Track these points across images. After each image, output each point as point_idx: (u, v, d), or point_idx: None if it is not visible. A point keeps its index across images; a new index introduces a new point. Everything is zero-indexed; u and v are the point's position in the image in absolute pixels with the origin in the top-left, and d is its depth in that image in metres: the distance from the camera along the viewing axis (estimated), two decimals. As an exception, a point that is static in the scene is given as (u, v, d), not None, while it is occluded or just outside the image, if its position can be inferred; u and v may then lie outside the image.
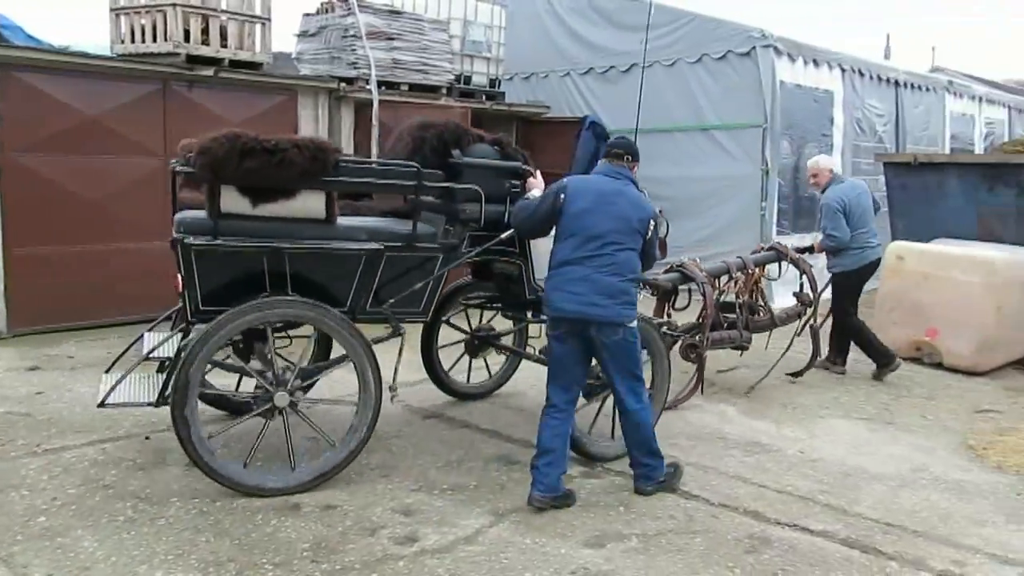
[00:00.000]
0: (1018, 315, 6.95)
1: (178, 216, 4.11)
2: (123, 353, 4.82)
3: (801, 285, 6.44)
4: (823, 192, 6.70)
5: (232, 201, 3.91)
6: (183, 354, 3.91)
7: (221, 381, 4.93)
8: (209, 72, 7.67)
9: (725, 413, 5.70)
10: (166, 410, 3.95)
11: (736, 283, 6.21)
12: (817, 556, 3.66)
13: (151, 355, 4.39)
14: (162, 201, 7.42)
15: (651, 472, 4.23)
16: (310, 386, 4.85)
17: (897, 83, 12.06)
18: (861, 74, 11.18)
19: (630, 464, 4.29)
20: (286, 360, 4.52)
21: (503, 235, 4.48)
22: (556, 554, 3.59)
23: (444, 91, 9.61)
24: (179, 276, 3.97)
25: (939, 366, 7.02)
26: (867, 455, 4.96)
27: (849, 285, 6.60)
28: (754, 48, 9.59)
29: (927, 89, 12.94)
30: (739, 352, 6.27)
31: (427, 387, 5.68)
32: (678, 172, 9.89)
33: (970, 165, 8.13)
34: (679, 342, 5.66)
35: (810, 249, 6.82)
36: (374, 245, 4.19)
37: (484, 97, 10.30)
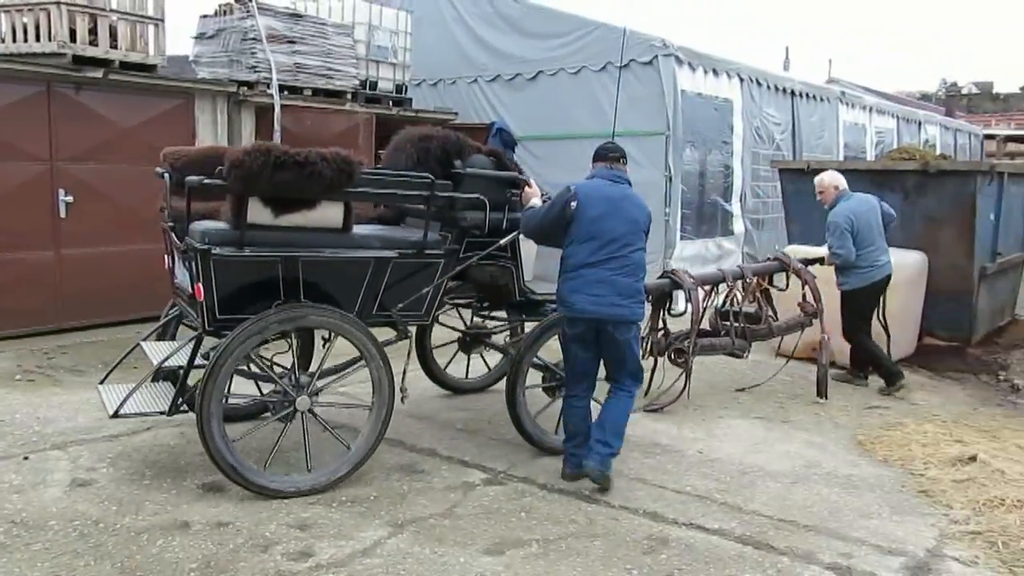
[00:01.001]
0: (904, 314, 7.27)
1: (197, 227, 4.09)
2: (117, 363, 4.87)
3: (804, 295, 6.41)
4: (831, 208, 6.59)
5: (255, 212, 3.98)
6: (213, 360, 3.94)
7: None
8: (98, 74, 7.34)
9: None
10: (52, 427, 3.76)
11: (732, 292, 6.23)
12: (712, 554, 3.73)
13: (164, 366, 4.39)
14: (47, 207, 7.18)
15: (613, 454, 4.43)
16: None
17: (793, 93, 12.52)
18: (759, 84, 11.55)
19: (591, 441, 4.41)
20: (276, 365, 4.63)
21: (502, 241, 4.70)
22: (455, 563, 3.55)
23: (349, 96, 9.47)
24: (198, 286, 3.99)
25: (833, 365, 7.26)
26: (763, 453, 5.09)
27: (857, 303, 6.48)
28: (656, 57, 9.80)
29: (821, 99, 13.48)
30: (739, 359, 6.36)
31: (328, 397, 5.54)
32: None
33: (859, 172, 8.45)
34: (669, 347, 5.89)
35: (819, 261, 6.62)
36: (389, 253, 4.35)
37: (391, 103, 10.20)
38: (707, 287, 6.31)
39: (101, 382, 4.70)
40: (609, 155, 4.55)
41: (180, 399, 4.22)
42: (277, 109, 8.44)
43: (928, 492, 4.51)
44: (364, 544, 3.68)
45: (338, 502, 4.12)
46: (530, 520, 4.01)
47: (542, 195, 4.81)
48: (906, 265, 7.47)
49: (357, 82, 9.62)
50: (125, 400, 4.21)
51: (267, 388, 4.96)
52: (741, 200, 11.20)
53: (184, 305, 4.57)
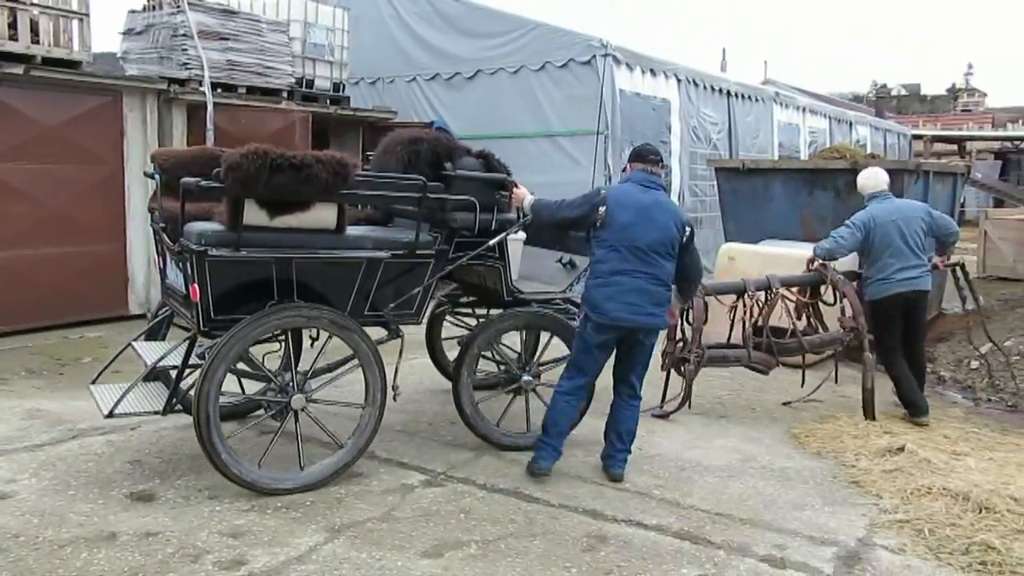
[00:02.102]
0: (834, 310, 7.44)
1: (193, 228, 4.11)
2: (109, 364, 4.83)
3: (842, 310, 5.92)
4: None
5: (252, 214, 4.02)
6: (208, 360, 4.00)
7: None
8: (19, 70, 7.08)
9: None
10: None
11: (750, 302, 5.83)
12: (651, 550, 3.75)
13: (158, 366, 4.40)
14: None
15: (627, 456, 4.61)
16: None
17: (729, 93, 12.75)
18: (696, 84, 11.74)
19: (611, 451, 4.58)
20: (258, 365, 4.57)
21: (491, 241, 4.70)
22: (392, 567, 3.50)
23: (285, 95, 9.31)
24: (194, 287, 4.03)
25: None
26: (701, 448, 5.15)
27: (876, 316, 5.94)
28: (594, 57, 9.88)
29: (757, 100, 13.76)
30: (763, 375, 6.01)
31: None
32: (525, 178, 9.93)
33: (792, 171, 8.65)
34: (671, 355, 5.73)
35: (858, 275, 6.15)
36: (381, 253, 4.38)
37: (328, 101, 10.07)
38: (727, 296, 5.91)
39: (92, 382, 4.66)
40: (649, 157, 4.56)
41: (174, 399, 4.27)
42: (210, 107, 8.25)
43: (859, 483, 4.62)
44: (299, 551, 3.61)
45: (273, 508, 4.03)
46: (469, 521, 3.98)
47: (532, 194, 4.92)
48: (839, 263, 7.65)
49: (293, 80, 9.47)
50: (120, 400, 4.23)
51: (251, 388, 5.11)
52: (680, 199, 11.36)
53: (177, 306, 4.58)
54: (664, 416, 5.70)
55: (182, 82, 8.37)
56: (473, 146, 5.08)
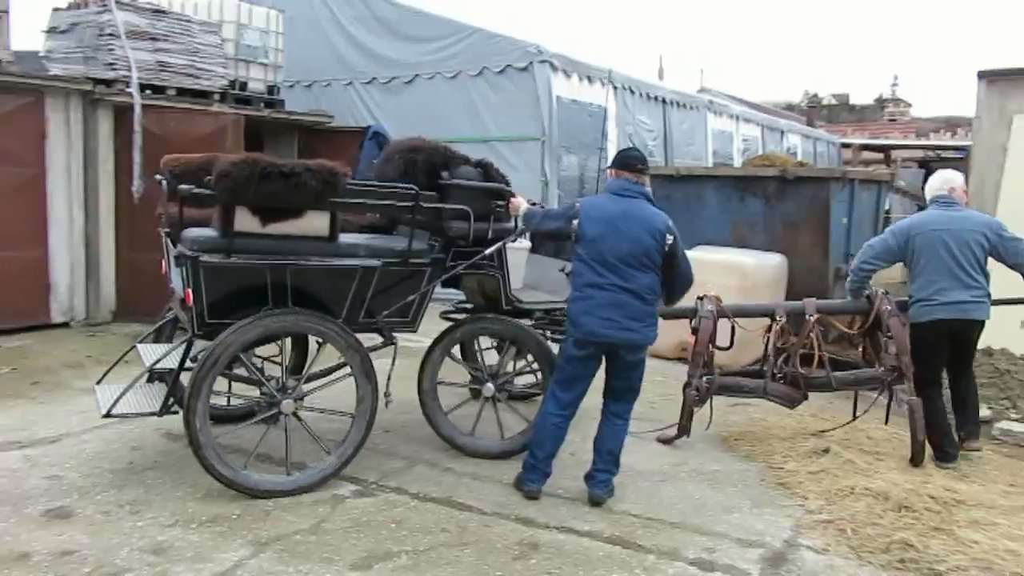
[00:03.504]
0: (767, 314, 7.60)
1: (188, 234, 4.23)
2: (113, 365, 4.93)
3: (886, 345, 5.13)
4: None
5: (244, 221, 4.10)
6: (199, 364, 4.07)
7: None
8: (-69, 68, 6.78)
9: (506, 422, 5.75)
10: None
11: (777, 327, 5.31)
12: (582, 556, 3.76)
13: (155, 367, 4.50)
14: None
15: (611, 479, 4.45)
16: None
17: (664, 101, 12.94)
18: (632, 92, 11.88)
19: (593, 471, 4.42)
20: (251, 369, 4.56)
21: (487, 250, 4.70)
22: (320, 580, 3.44)
23: (217, 97, 9.11)
24: (188, 291, 4.11)
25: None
26: (634, 453, 5.17)
27: (913, 342, 5.09)
28: (532, 63, 9.92)
29: (691, 108, 13.99)
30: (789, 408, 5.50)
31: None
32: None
33: (724, 177, 8.83)
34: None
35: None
36: (373, 261, 4.41)
37: (262, 104, 9.89)
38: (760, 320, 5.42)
39: (98, 382, 4.76)
40: (636, 166, 4.36)
41: (171, 400, 4.32)
42: (137, 109, 8.03)
43: (786, 484, 4.72)
44: (223, 566, 3.52)
45: (197, 523, 3.92)
46: (400, 531, 3.94)
47: (530, 203, 4.93)
48: (767, 267, 7.84)
49: (226, 82, 9.28)
50: (117, 400, 4.29)
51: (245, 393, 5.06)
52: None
53: (178, 309, 4.67)
54: (666, 441, 5.38)
55: (108, 83, 8.13)
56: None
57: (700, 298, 5.41)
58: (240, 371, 4.57)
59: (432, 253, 4.67)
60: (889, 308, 5.10)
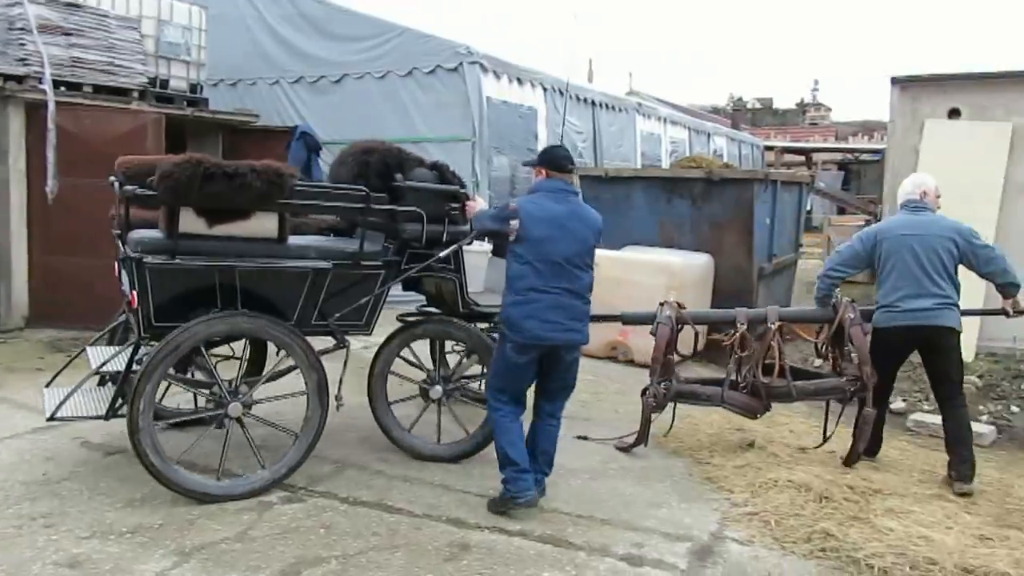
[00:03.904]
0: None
1: (133, 235, 4.20)
2: (64, 367, 4.84)
3: (848, 355, 5.04)
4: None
5: (189, 222, 4.07)
6: (143, 366, 4.01)
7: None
8: None
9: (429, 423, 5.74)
10: None
11: (737, 335, 5.18)
12: (514, 555, 3.77)
13: (101, 370, 4.45)
14: None
15: (544, 479, 4.38)
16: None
17: (594, 103, 13.07)
18: (561, 93, 11.96)
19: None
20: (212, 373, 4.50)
21: (441, 253, 4.65)
22: (247, 589, 3.36)
23: (136, 95, 8.83)
24: (133, 293, 4.07)
25: (631, 363, 7.64)
26: (565, 452, 5.17)
27: (872, 348, 4.97)
28: (461, 64, 9.90)
29: (620, 110, 14.17)
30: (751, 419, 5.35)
31: (111, 421, 5.12)
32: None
33: (652, 179, 8.97)
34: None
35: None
36: (323, 264, 4.37)
37: (185, 103, 9.63)
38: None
39: (47, 385, 4.69)
40: (567, 167, 4.34)
41: (118, 403, 4.23)
42: (51, 106, 7.70)
43: (713, 479, 4.82)
44: (145, 577, 3.41)
45: (116, 534, 3.79)
46: (330, 536, 3.88)
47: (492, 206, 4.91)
48: (694, 266, 8.00)
49: (146, 80, 9.00)
50: (62, 403, 4.24)
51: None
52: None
53: (128, 311, 4.60)
54: (624, 449, 5.25)
55: (19, 79, 7.79)
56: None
57: (661, 304, 5.38)
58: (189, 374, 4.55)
59: (386, 255, 4.64)
60: (852, 316, 4.98)
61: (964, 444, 4.85)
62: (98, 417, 4.23)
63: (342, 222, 5.10)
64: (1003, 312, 5.07)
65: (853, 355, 4.97)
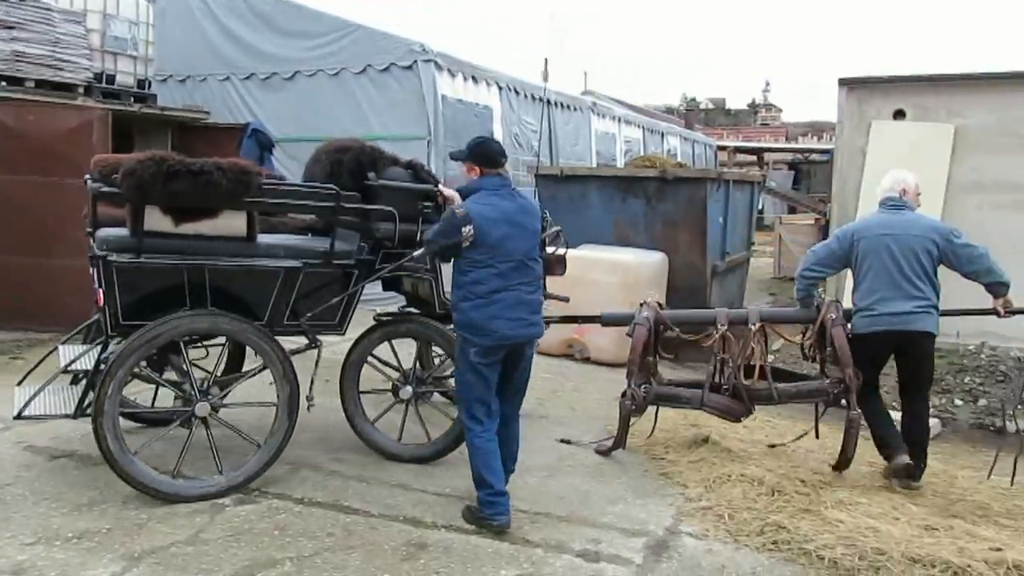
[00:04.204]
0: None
1: (99, 233, 4.19)
2: (36, 366, 4.80)
3: (832, 357, 4.89)
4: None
5: (155, 220, 4.06)
6: (106, 366, 4.00)
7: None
8: None
9: (394, 422, 5.67)
10: None
11: (719, 336, 5.03)
12: (471, 554, 3.76)
13: (69, 368, 4.44)
14: None
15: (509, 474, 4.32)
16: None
17: (549, 102, 13.09)
18: (517, 92, 11.98)
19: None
20: (203, 370, 4.59)
21: (415, 252, 4.54)
22: (199, 593, 3.31)
23: (82, 90, 8.63)
24: (100, 291, 4.06)
25: (587, 360, 7.69)
26: (522, 450, 5.18)
27: (854, 354, 4.74)
28: (416, 62, 9.84)
29: (575, 109, 14.23)
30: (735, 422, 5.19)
31: (57, 423, 4.99)
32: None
33: (607, 178, 9.03)
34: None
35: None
36: (293, 263, 4.35)
37: (132, 99, 9.45)
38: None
39: (18, 384, 4.65)
40: (500, 161, 4.21)
41: (86, 402, 4.18)
42: (-8, 102, 7.50)
43: (668, 474, 4.87)
44: (92, 583, 3.33)
45: (62, 539, 3.70)
46: (284, 538, 3.83)
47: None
48: (648, 264, 8.08)
49: (91, 75, 8.82)
50: (29, 402, 4.23)
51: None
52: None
53: (97, 310, 4.54)
54: (603, 453, 5.16)
55: (-42, 73, 7.58)
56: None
57: (640, 304, 5.28)
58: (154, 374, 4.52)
59: (359, 255, 4.60)
60: (834, 317, 4.80)
61: (917, 442, 4.80)
62: (66, 416, 4.19)
63: (320, 222, 5.02)
64: (994, 312, 4.87)
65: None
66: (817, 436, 5.11)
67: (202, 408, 4.24)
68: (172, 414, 4.42)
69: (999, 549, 3.80)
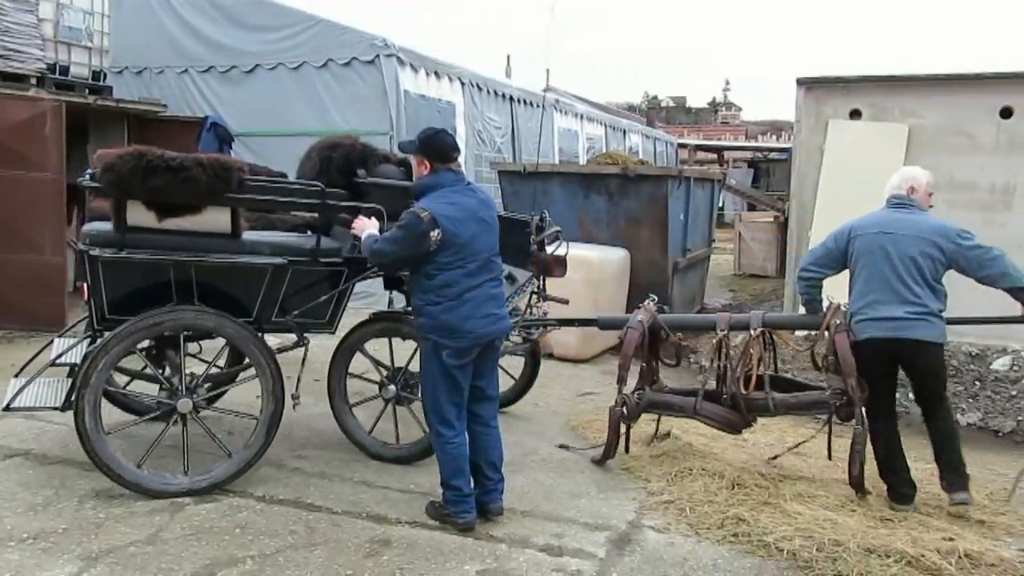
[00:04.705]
0: (611, 306, 7.88)
1: (85, 227, 4.25)
2: (33, 358, 4.73)
3: (836, 366, 4.50)
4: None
5: (138, 215, 4.08)
6: (119, 329, 4.04)
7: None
8: None
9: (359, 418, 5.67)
10: None
11: (720, 343, 4.78)
12: (435, 549, 3.76)
13: (58, 360, 4.48)
14: None
15: (503, 486, 4.16)
16: (219, 395, 5.04)
17: (512, 99, 13.11)
18: (480, 88, 11.96)
19: (488, 486, 4.06)
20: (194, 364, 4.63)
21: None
22: (158, 593, 3.26)
23: (34, 81, 8.42)
24: (84, 285, 4.12)
25: (551, 356, 7.70)
26: (485, 445, 5.23)
27: (856, 364, 4.39)
28: (378, 56, 9.78)
29: (538, 106, 14.22)
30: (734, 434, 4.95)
31: (10, 421, 4.89)
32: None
33: (570, 175, 9.07)
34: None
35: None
36: (278, 260, 4.33)
37: (87, 91, 9.24)
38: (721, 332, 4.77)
39: (16, 375, 4.63)
40: (454, 156, 4.04)
41: (74, 395, 4.13)
42: (-61, 92, 7.29)
43: (630, 469, 4.90)
44: (48, 585, 3.27)
45: (16, 540, 3.62)
46: (245, 536, 3.80)
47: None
48: (612, 261, 8.12)
49: (43, 65, 8.62)
50: (18, 393, 4.25)
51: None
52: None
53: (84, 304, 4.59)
54: (597, 462, 4.94)
55: (-97, 62, 7.34)
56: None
57: (638, 306, 5.09)
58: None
59: (350, 253, 4.51)
60: (838, 323, 4.46)
61: (950, 451, 4.39)
62: (55, 408, 4.18)
63: (318, 219, 4.91)
64: (1022, 320, 4.44)
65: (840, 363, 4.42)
66: (830, 456, 4.77)
67: (184, 404, 4.22)
68: (156, 404, 4.37)
69: (951, 539, 3.90)
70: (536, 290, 5.61)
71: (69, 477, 4.35)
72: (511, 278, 5.28)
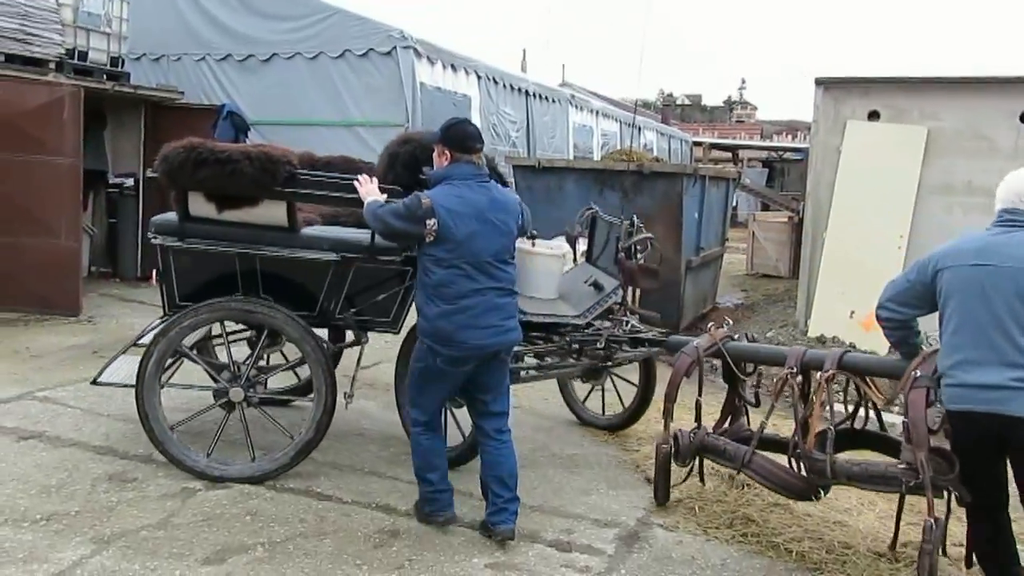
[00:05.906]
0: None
1: (155, 217, 4.47)
2: (136, 339, 4.80)
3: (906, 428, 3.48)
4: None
5: (199, 206, 4.22)
6: (149, 343, 4.22)
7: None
8: None
9: (365, 409, 5.69)
10: None
11: (785, 385, 3.96)
12: (443, 542, 3.77)
13: (139, 341, 4.59)
14: None
15: (517, 507, 3.86)
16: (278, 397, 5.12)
17: (528, 93, 13.10)
18: (496, 82, 11.96)
19: (499, 505, 3.80)
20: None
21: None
22: (169, 577, 3.28)
23: (53, 66, 8.46)
24: (153, 271, 4.27)
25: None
26: (495, 439, 5.24)
27: (951, 442, 3.33)
28: (395, 48, 9.79)
29: (553, 101, 14.24)
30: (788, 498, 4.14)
31: (25, 404, 4.93)
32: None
33: (584, 170, 9.05)
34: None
35: None
36: (331, 255, 4.33)
37: (105, 77, 9.28)
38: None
39: (123, 352, 4.74)
40: (475, 147, 3.77)
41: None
42: (-41, 75, 7.34)
43: (640, 467, 4.90)
44: (61, 566, 3.30)
45: (30, 521, 3.65)
46: (256, 523, 3.81)
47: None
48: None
49: (63, 51, 8.65)
50: (103, 369, 4.48)
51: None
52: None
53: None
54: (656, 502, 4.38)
55: (-76, 44, 7.39)
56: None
57: (705, 330, 4.52)
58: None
59: (411, 251, 4.14)
60: (918, 376, 3.41)
61: None
62: (131, 385, 4.25)
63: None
64: None
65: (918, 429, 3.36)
66: (893, 546, 3.89)
67: (236, 394, 4.27)
68: (208, 388, 4.43)
69: (962, 544, 3.88)
70: (621, 301, 5.21)
71: (83, 460, 4.38)
72: (597, 286, 5.12)
